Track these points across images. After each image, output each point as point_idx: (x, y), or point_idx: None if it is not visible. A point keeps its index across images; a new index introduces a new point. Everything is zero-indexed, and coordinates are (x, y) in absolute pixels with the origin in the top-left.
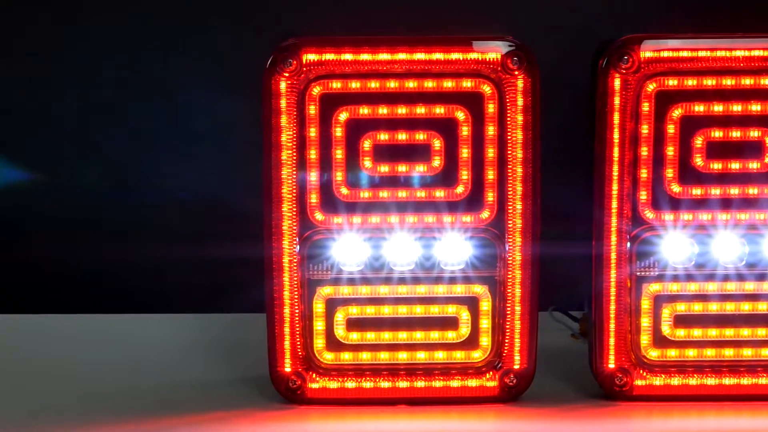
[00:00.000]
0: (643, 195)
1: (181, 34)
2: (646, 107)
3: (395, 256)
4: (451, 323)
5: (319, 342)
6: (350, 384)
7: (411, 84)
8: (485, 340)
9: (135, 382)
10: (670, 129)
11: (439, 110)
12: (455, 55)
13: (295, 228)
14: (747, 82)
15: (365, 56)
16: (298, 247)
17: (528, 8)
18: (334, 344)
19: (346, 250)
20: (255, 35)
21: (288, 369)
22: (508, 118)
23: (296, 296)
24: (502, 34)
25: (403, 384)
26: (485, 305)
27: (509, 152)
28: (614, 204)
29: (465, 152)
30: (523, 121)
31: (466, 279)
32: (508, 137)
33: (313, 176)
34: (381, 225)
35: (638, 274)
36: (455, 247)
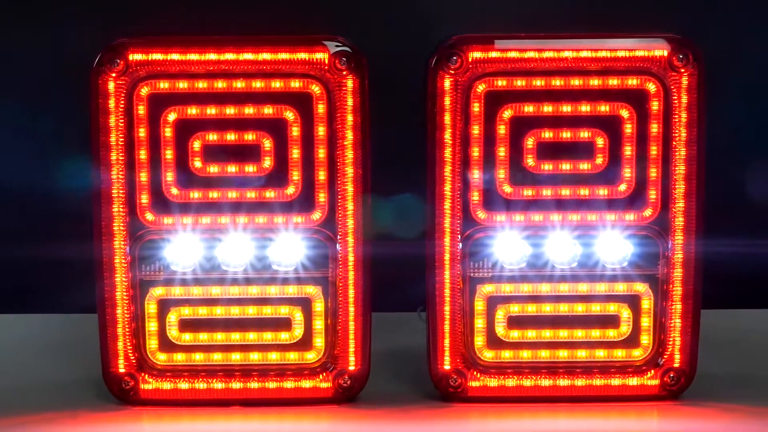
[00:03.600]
0: (475, 196)
1: (7, 29)
2: (476, 108)
3: (228, 257)
4: (284, 324)
5: (152, 343)
6: (183, 385)
7: (239, 84)
8: (319, 341)
9: None
10: (501, 130)
11: (268, 110)
12: (283, 55)
13: (125, 229)
14: (576, 82)
15: (193, 56)
16: (128, 247)
17: (369, 8)
18: (167, 345)
19: (177, 251)
20: (86, 33)
21: (121, 370)
22: (338, 119)
23: (128, 297)
24: (332, 35)
25: (236, 385)
26: (318, 306)
27: (339, 153)
28: (446, 204)
29: (295, 153)
30: (353, 121)
31: (298, 280)
32: (339, 138)
33: (144, 177)
34: (212, 226)
35: (471, 275)
36: (288, 247)
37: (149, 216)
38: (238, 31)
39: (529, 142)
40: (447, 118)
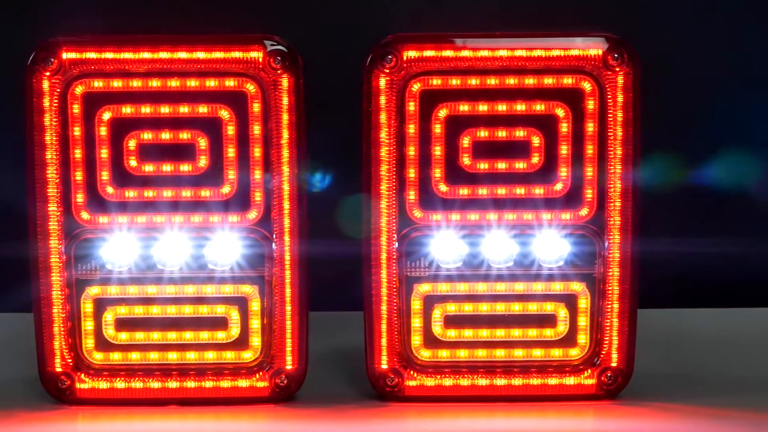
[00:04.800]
0: (411, 195)
1: None
2: (411, 107)
3: (164, 256)
4: (220, 323)
5: (88, 342)
6: (120, 384)
7: (174, 83)
8: (255, 341)
9: None
10: (437, 128)
11: (203, 109)
12: (217, 54)
13: (60, 228)
14: (511, 81)
15: (127, 55)
16: (63, 247)
17: (310, 8)
18: (103, 344)
19: (113, 250)
20: (19, 32)
21: (58, 369)
22: (273, 118)
23: (64, 296)
24: (267, 34)
25: (173, 384)
26: (255, 305)
27: (275, 152)
28: (383, 203)
29: (231, 152)
30: (289, 120)
31: (235, 279)
32: (274, 137)
33: (79, 176)
34: (148, 225)
35: (408, 274)
36: (224, 247)
37: (84, 215)
38: (174, 30)
39: (465, 141)
40: (382, 117)
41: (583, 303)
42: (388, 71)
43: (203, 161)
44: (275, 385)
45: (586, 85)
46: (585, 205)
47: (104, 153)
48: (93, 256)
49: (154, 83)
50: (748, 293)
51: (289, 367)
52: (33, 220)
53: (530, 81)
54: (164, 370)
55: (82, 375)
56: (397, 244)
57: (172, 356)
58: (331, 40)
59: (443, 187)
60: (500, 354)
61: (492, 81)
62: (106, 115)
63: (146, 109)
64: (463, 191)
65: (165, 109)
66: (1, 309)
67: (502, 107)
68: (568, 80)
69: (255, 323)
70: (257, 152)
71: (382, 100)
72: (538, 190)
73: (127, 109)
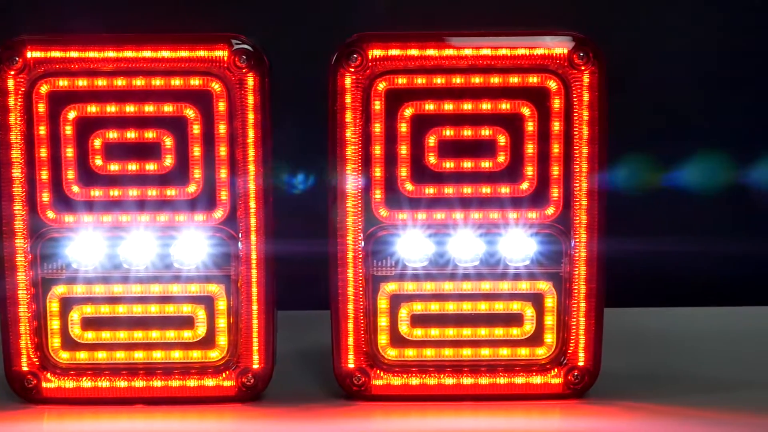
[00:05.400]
0: (377, 194)
1: None
2: (377, 106)
3: (130, 255)
4: (187, 323)
5: (54, 341)
6: (86, 383)
7: (139, 82)
8: (222, 340)
9: None
10: (402, 127)
11: (169, 108)
12: (183, 53)
13: (26, 227)
14: (477, 80)
15: (92, 54)
16: (29, 246)
17: (278, 7)
18: (69, 343)
19: (79, 249)
20: None
21: (24, 368)
22: (239, 117)
23: (29, 295)
24: (233, 33)
25: (140, 383)
26: (221, 304)
27: (241, 151)
28: (349, 202)
29: (196, 151)
30: (255, 119)
31: (202, 278)
32: (240, 135)
33: (45, 175)
34: (114, 224)
35: (374, 273)
36: (190, 246)
37: (50, 214)
38: (139, 29)
39: (431, 140)
40: (348, 116)
41: (550, 302)
42: (353, 70)
43: (169, 160)
44: (242, 384)
45: (552, 84)
46: (551, 204)
47: (70, 152)
48: (59, 255)
49: (120, 82)
50: (715, 292)
51: (255, 366)
52: None
53: (496, 80)
54: (131, 369)
55: (49, 374)
56: (363, 243)
57: (139, 355)
58: (299, 39)
59: (409, 186)
60: (467, 353)
61: (458, 80)
62: (72, 114)
63: (112, 108)
64: (429, 190)
65: (130, 108)
66: None
67: (467, 106)
68: (533, 79)
69: (221, 322)
70: (223, 151)
71: (348, 99)
72: (505, 189)
73: (92, 108)
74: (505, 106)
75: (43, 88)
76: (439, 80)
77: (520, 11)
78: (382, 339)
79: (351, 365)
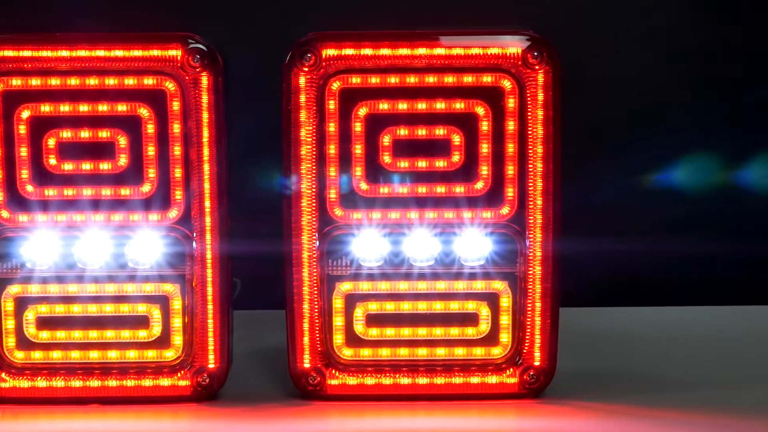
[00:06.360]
0: (332, 193)
1: None
2: (331, 105)
3: (85, 254)
4: (142, 322)
5: (9, 341)
6: (41, 383)
7: (93, 81)
8: (177, 339)
9: None
10: (357, 127)
11: (122, 108)
12: (136, 53)
13: None
14: (431, 80)
15: (45, 53)
16: None
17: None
18: (24, 343)
19: (34, 249)
20: None
21: None
22: (194, 116)
23: None
24: (187, 32)
25: (95, 383)
26: (176, 304)
27: (195, 150)
28: (304, 202)
29: (150, 150)
30: (209, 118)
31: (156, 278)
32: (195, 135)
33: None
34: (69, 223)
35: (330, 272)
36: (145, 245)
37: (4, 213)
38: (93, 29)
39: (385, 140)
40: (303, 116)
41: (505, 302)
42: (307, 69)
43: (123, 160)
44: (197, 383)
45: (506, 84)
46: (506, 203)
47: (24, 151)
48: (13, 254)
49: (73, 81)
50: (671, 292)
51: (211, 365)
52: None
53: (450, 79)
54: (86, 369)
55: (3, 374)
56: (318, 242)
57: (94, 355)
58: (254, 38)
59: (364, 186)
60: (422, 353)
61: (411, 79)
62: (25, 114)
63: (65, 108)
64: (384, 190)
65: (84, 108)
66: None
67: (422, 105)
68: (487, 78)
69: (177, 322)
70: (177, 151)
71: (302, 98)
72: (459, 189)
73: (46, 108)
74: (459, 105)
75: None
76: (393, 80)
77: (478, 11)
78: (338, 339)
79: (306, 365)
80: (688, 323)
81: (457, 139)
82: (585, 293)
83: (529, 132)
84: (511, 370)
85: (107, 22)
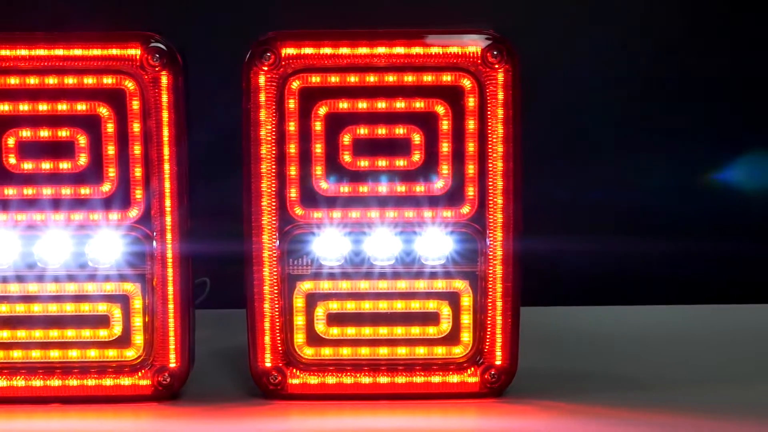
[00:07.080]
0: (293, 192)
1: None
2: (291, 104)
3: (45, 254)
4: (103, 321)
5: None
6: (1, 383)
7: (52, 80)
8: (138, 339)
9: None
10: (317, 126)
11: (82, 107)
12: (95, 51)
13: None
14: (390, 78)
15: (3, 52)
16: None
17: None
18: None
19: None
20: None
21: None
22: (154, 115)
23: None
24: (148, 31)
25: (55, 382)
26: (137, 303)
27: (156, 149)
28: (264, 201)
29: (111, 149)
30: (169, 117)
31: (117, 277)
32: (155, 134)
33: None
34: (29, 222)
35: (290, 272)
36: (105, 245)
37: None
38: (53, 27)
39: (346, 139)
40: (262, 115)
41: (466, 301)
42: (267, 68)
43: (83, 159)
44: (158, 383)
45: (466, 83)
46: (467, 202)
47: None
48: None
49: (32, 80)
50: (630, 291)
51: (172, 365)
52: None
53: (410, 78)
54: (46, 368)
55: None
56: (278, 242)
57: (55, 354)
58: (215, 37)
59: (324, 185)
60: (384, 352)
61: (371, 78)
62: None
63: (24, 107)
64: (344, 189)
65: (43, 107)
66: None
67: (381, 104)
68: (447, 77)
69: (137, 321)
70: (137, 150)
71: (262, 97)
72: (420, 188)
73: (4, 107)
74: (419, 104)
75: None
76: (352, 79)
77: (438, 10)
78: (299, 338)
79: (267, 364)
80: (648, 322)
81: (417, 138)
82: (546, 292)
83: (489, 131)
84: (473, 369)
85: (68, 21)
